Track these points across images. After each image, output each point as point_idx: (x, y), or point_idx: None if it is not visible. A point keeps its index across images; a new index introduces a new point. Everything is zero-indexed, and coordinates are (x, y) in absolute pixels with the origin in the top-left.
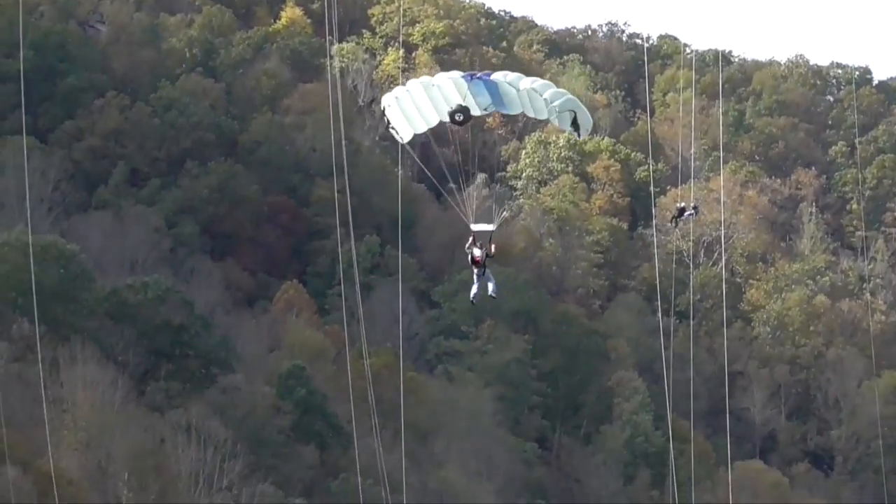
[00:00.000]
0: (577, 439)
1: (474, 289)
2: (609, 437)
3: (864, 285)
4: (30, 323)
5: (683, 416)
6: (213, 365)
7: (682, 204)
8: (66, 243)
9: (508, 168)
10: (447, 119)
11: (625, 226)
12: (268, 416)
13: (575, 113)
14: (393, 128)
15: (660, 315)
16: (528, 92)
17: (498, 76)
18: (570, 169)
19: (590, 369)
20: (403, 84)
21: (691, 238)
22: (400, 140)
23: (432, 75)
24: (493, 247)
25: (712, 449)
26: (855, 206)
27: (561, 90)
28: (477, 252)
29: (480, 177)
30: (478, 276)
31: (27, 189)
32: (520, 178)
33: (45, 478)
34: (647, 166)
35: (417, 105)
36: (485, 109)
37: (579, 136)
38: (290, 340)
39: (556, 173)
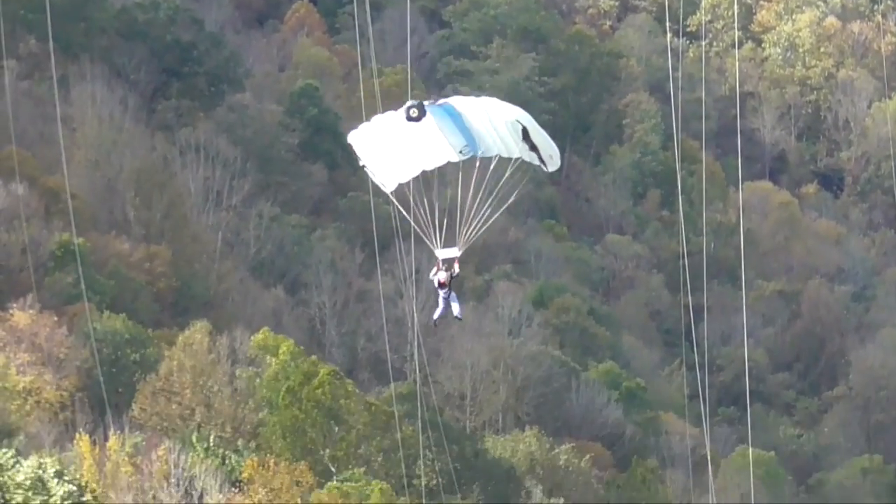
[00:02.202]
0: (586, 159)
1: (438, 311)
2: (618, 156)
3: (876, 7)
4: (38, 40)
5: (693, 136)
6: (222, 83)
7: None
8: None
9: None
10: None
11: None
12: (276, 134)
13: (524, 126)
14: (371, 174)
15: (669, 36)
16: (491, 121)
17: (459, 106)
18: None
19: (600, 90)
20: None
21: None
22: (386, 190)
23: None
24: (456, 267)
25: (722, 169)
26: None
27: (513, 107)
28: (442, 276)
29: None
30: (444, 298)
31: None
32: None
33: (51, 194)
34: None
35: (396, 154)
36: (460, 152)
37: (545, 164)
38: (299, 60)
39: None
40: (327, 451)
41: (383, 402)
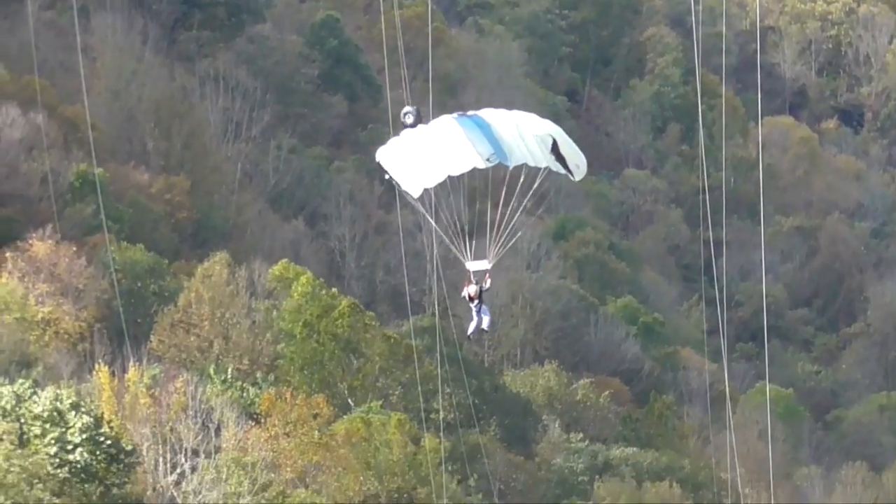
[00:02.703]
0: (606, 93)
1: (473, 325)
2: (639, 91)
3: None
4: None
5: (713, 71)
6: (243, 13)
7: None
8: None
9: None
10: (455, 172)
11: None
12: (296, 65)
13: (555, 141)
14: (397, 183)
15: None
16: (519, 132)
17: (488, 117)
18: None
19: (621, 23)
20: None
21: None
22: (411, 198)
23: None
24: (488, 280)
25: (742, 104)
26: None
27: (544, 120)
28: (472, 290)
29: None
30: (476, 311)
31: None
32: None
33: (70, 124)
34: None
35: (422, 161)
36: (487, 160)
37: (572, 174)
38: None
39: None
40: (345, 384)
41: (402, 336)
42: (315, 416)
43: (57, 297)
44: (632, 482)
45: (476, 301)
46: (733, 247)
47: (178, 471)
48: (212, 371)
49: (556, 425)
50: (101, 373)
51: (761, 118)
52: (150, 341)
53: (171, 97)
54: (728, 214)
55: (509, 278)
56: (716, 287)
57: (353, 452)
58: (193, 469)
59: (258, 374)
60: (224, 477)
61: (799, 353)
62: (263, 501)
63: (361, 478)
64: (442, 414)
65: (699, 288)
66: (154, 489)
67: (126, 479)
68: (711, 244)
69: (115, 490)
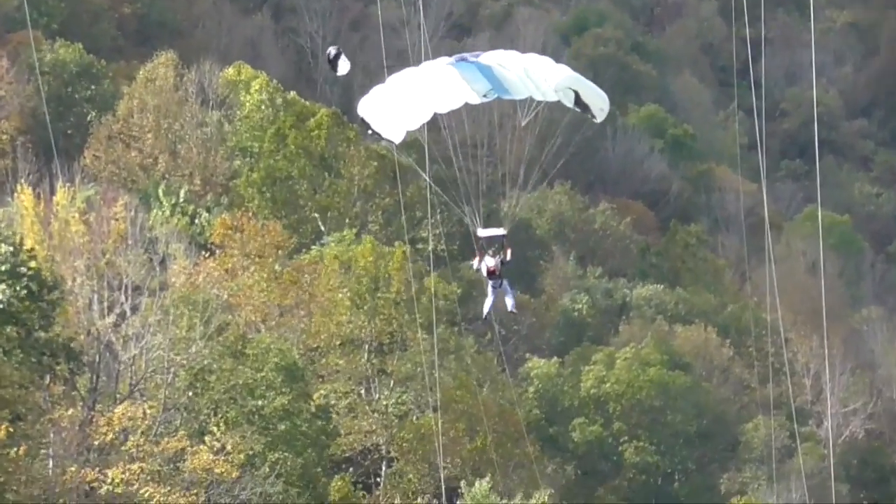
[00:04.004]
0: None
1: (488, 303)
2: None
3: None
4: None
5: None
6: None
7: None
8: None
9: None
10: (442, 110)
11: None
12: None
13: (576, 92)
14: (377, 133)
15: None
16: (527, 72)
17: (490, 59)
18: None
19: None
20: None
21: None
22: (390, 143)
23: None
24: (508, 252)
25: None
26: None
27: (560, 66)
28: (491, 262)
29: None
30: (493, 287)
31: None
32: None
33: None
34: None
35: (405, 103)
36: (484, 96)
37: (594, 117)
38: None
39: None
40: (313, 206)
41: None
42: (279, 249)
43: None
44: (663, 323)
45: (496, 277)
46: (777, 45)
47: (117, 311)
48: (161, 193)
49: (572, 258)
50: (25, 194)
51: None
52: (84, 157)
53: None
54: (771, 7)
55: None
56: (755, 93)
57: (340, 288)
58: (135, 309)
59: (209, 197)
60: (171, 318)
61: (856, 173)
62: (219, 347)
63: (345, 318)
64: (431, 245)
65: (737, 94)
66: (88, 332)
67: (50, 320)
68: (750, 42)
69: (39, 333)
